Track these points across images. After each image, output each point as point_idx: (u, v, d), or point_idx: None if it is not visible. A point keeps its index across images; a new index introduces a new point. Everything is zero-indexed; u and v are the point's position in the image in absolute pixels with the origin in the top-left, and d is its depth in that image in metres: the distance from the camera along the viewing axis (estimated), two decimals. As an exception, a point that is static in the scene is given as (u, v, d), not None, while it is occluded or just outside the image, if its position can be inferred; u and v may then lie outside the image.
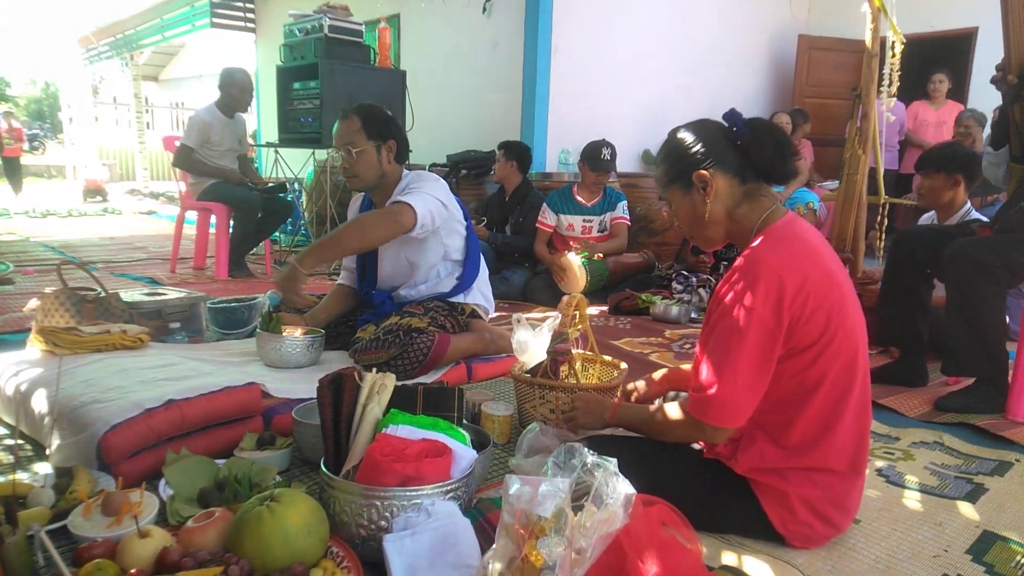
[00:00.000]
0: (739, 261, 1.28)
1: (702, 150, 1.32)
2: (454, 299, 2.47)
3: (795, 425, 1.28)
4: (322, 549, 1.18)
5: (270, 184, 4.67)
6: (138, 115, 14.52)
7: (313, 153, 5.53)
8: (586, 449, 1.20)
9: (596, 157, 3.87)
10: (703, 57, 6.17)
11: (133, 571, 1.08)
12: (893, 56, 3.24)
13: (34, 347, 2.02)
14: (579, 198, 4.01)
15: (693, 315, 3.50)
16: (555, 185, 4.46)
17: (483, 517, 1.30)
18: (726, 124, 1.34)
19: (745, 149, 1.31)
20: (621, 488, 1.11)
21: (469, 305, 2.50)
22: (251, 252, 4.78)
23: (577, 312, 1.94)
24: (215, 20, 8.56)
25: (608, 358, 2.03)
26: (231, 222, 4.51)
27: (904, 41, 3.28)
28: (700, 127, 1.36)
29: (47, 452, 1.59)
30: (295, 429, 1.67)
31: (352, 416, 1.39)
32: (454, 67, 5.80)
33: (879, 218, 3.50)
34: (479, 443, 1.52)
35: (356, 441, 1.36)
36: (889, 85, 3.26)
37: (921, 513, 1.53)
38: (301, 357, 2.22)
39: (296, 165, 5.66)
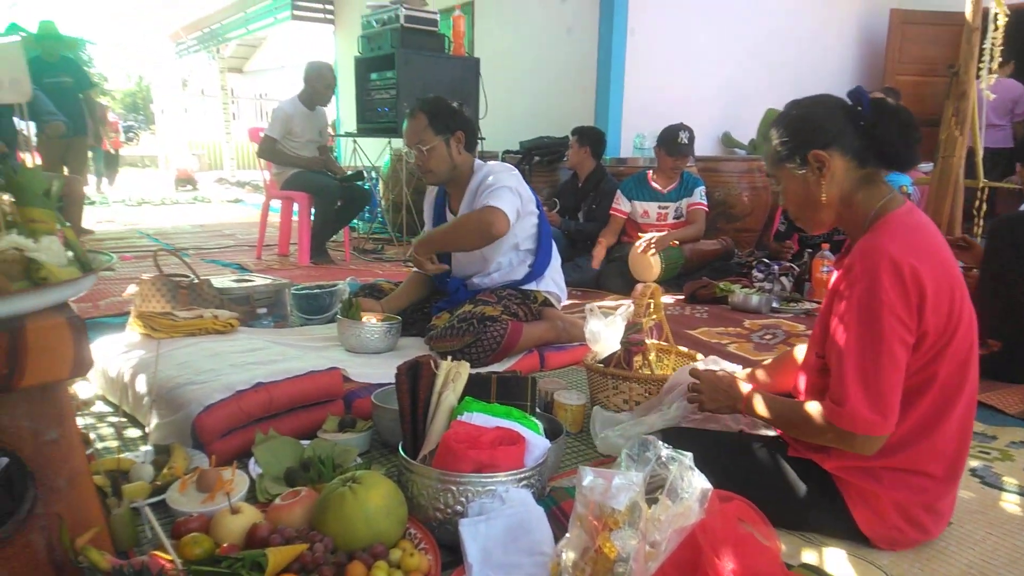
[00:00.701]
0: (856, 252, 1.20)
1: (821, 128, 1.25)
2: (526, 287, 2.48)
3: (896, 425, 1.22)
4: (401, 530, 1.22)
5: (348, 173, 4.80)
6: (224, 106, 15.15)
7: (389, 142, 5.64)
8: (660, 442, 1.19)
9: (673, 141, 3.78)
10: (787, 34, 5.93)
11: (225, 545, 1.14)
12: (995, 29, 3.02)
13: (133, 330, 2.16)
14: (655, 184, 3.94)
15: (775, 304, 3.39)
16: (630, 171, 4.39)
17: (556, 506, 1.31)
18: (849, 102, 1.26)
19: (868, 130, 1.23)
20: (696, 483, 1.10)
21: (541, 293, 2.50)
22: (331, 239, 4.93)
23: (652, 301, 1.91)
24: (296, 12, 8.82)
25: (684, 349, 1.99)
26: (312, 210, 4.66)
27: (1008, 13, 3.05)
28: (820, 103, 1.29)
29: (146, 430, 1.70)
30: (374, 413, 1.72)
31: (428, 402, 1.42)
32: (527, 53, 5.78)
33: (977, 203, 3.29)
34: (552, 432, 1.53)
35: (432, 427, 1.39)
36: (990, 61, 3.04)
37: (1020, 518, 1.45)
38: (379, 343, 2.29)
39: (373, 154, 5.79)
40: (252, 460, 1.50)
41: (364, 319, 2.32)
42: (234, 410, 1.58)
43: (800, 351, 1.51)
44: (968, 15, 3.00)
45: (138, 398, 1.75)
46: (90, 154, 8.82)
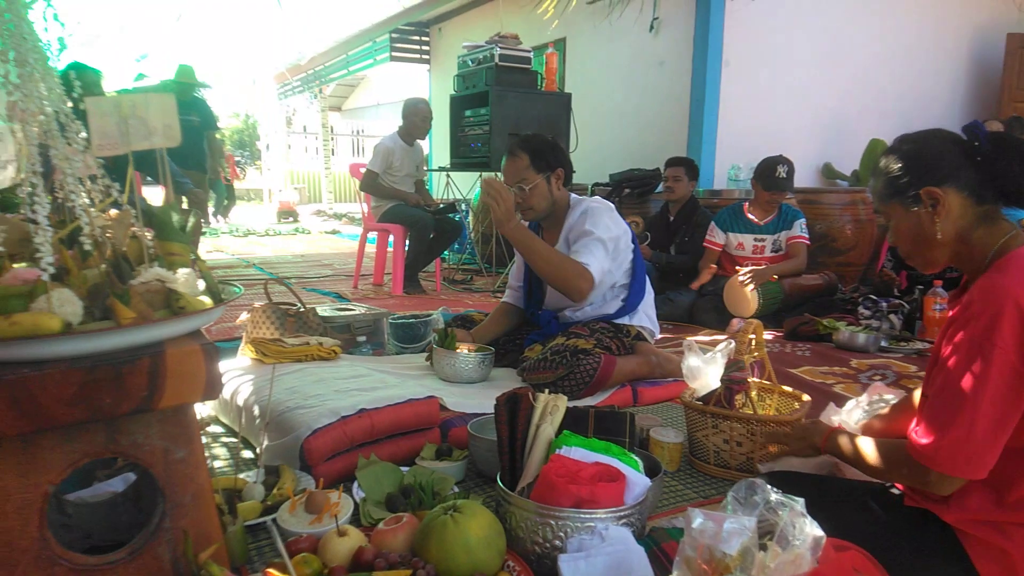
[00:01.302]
0: (976, 290, 1.13)
1: (934, 164, 1.19)
2: (619, 320, 2.46)
3: (1018, 477, 1.13)
4: (500, 562, 1.22)
5: (441, 205, 4.95)
6: (325, 143, 15.97)
7: (480, 175, 5.78)
8: (768, 486, 1.14)
9: (771, 175, 3.69)
10: (893, 61, 5.70)
11: (333, 567, 1.18)
12: None
13: (245, 355, 2.29)
14: (751, 216, 3.84)
15: (883, 343, 3.21)
16: (724, 203, 4.30)
17: (657, 546, 1.28)
18: (964, 137, 1.20)
19: (987, 166, 1.17)
20: (809, 530, 1.05)
21: (634, 327, 2.48)
22: (423, 270, 5.07)
23: (753, 337, 1.86)
24: (394, 54, 9.24)
25: (788, 388, 1.92)
26: (407, 242, 4.82)
27: None
28: (932, 137, 1.23)
29: (257, 451, 1.78)
30: (470, 443, 1.74)
31: (526, 434, 1.43)
32: (618, 86, 5.82)
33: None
34: (650, 469, 1.50)
35: (530, 459, 1.39)
36: None
37: None
38: (473, 373, 2.32)
39: (464, 187, 5.94)
40: (355, 484, 1.54)
41: (458, 349, 2.37)
42: (339, 435, 1.64)
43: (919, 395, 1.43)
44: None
45: (251, 420, 1.84)
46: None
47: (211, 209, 5.52)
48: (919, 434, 1.14)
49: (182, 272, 1.08)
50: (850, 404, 1.69)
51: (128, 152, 1.03)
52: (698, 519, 0.97)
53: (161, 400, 1.00)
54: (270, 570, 1.12)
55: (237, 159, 13.17)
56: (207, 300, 1.08)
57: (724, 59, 4.94)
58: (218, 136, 5.72)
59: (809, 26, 5.27)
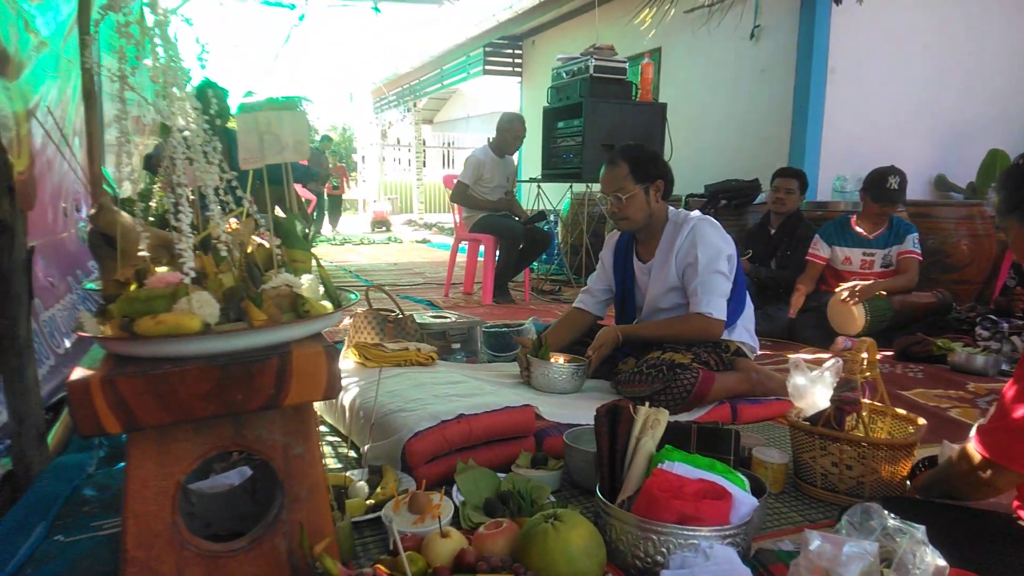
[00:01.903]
0: None
1: None
2: (718, 335, 2.40)
3: None
4: (600, 573, 1.21)
5: (532, 214, 4.99)
6: (417, 155, 16.42)
7: (571, 186, 5.79)
8: (885, 511, 1.09)
9: (881, 186, 3.51)
10: (1013, 66, 5.31)
11: (437, 567, 1.21)
12: None
13: (347, 359, 2.38)
14: (859, 229, 3.66)
15: (1004, 367, 2.99)
16: (829, 215, 4.13)
17: (764, 568, 1.24)
18: None
19: None
20: (930, 559, 1.00)
21: (734, 342, 2.41)
22: (512, 280, 5.12)
23: (866, 357, 1.77)
24: (487, 67, 9.42)
25: (901, 411, 1.82)
26: (497, 252, 4.88)
27: None
28: None
29: (361, 451, 1.85)
30: (566, 453, 1.74)
31: (626, 447, 1.42)
32: (716, 95, 5.70)
33: None
34: (754, 489, 1.46)
35: (630, 473, 1.38)
36: None
37: None
38: (566, 383, 2.32)
39: (554, 198, 5.97)
40: (455, 487, 1.57)
41: (552, 360, 2.37)
42: (439, 438, 1.68)
43: None
44: None
45: (354, 420, 1.92)
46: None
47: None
48: (985, 426, 1.15)
49: (305, 278, 1.15)
50: None
51: (263, 166, 1.10)
52: (816, 541, 0.94)
53: (287, 398, 1.06)
54: (379, 566, 1.16)
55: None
56: (328, 305, 1.13)
57: (830, 66, 4.75)
58: (326, 150, 6.01)
59: (921, 29, 5.00)
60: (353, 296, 1.22)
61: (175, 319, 0.99)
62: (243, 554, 1.16)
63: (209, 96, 1.03)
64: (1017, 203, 1.20)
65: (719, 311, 2.27)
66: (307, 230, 1.28)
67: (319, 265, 1.21)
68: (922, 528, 1.04)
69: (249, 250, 1.18)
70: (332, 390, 1.08)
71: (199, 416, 1.05)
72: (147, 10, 1.08)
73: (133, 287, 1.09)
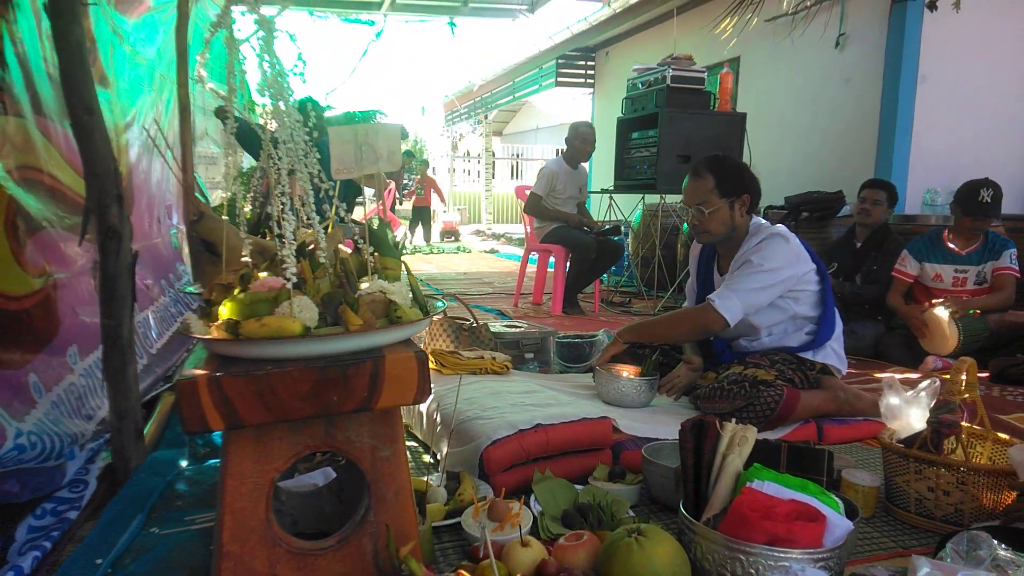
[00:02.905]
0: None
1: None
2: (803, 354, 2.31)
3: None
4: (685, 593, 1.19)
5: (606, 227, 4.95)
6: (487, 166, 16.59)
7: (643, 198, 5.73)
8: (995, 540, 1.03)
9: (973, 199, 3.33)
10: None
11: (520, 575, 1.21)
12: None
13: (424, 365, 2.41)
14: (951, 244, 3.48)
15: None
16: (919, 229, 3.94)
17: (859, 596, 1.18)
18: None
19: None
20: (1049, 597, 0.93)
21: (819, 362, 2.32)
22: (582, 291, 5.09)
23: (965, 377, 1.68)
24: (560, 79, 9.45)
25: (1004, 436, 1.71)
26: (568, 263, 4.87)
27: None
28: None
29: (439, 457, 1.87)
30: (645, 467, 1.71)
31: (712, 464, 1.39)
32: (797, 105, 5.55)
33: None
34: (848, 512, 1.40)
35: (716, 490, 1.35)
36: None
37: None
38: (636, 398, 2.29)
39: (625, 209, 5.92)
40: (532, 497, 1.57)
41: (623, 372, 2.35)
42: (516, 447, 1.69)
43: None
44: None
45: (432, 426, 1.94)
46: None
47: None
48: None
49: (396, 285, 1.17)
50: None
51: (360, 176, 1.13)
52: (925, 568, 0.89)
53: (379, 401, 1.08)
54: (462, 571, 1.17)
55: (406, 182, 13.98)
56: (418, 311, 1.16)
57: (920, 74, 4.56)
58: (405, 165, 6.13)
59: (1017, 37, 4.73)
60: (440, 304, 1.24)
61: (278, 322, 1.03)
62: (331, 552, 1.20)
63: (308, 109, 1.06)
64: None
65: (725, 308, 2.18)
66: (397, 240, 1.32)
67: (409, 273, 1.23)
68: (1037, 562, 0.98)
69: (341, 257, 1.22)
70: (422, 394, 1.10)
71: (297, 416, 1.09)
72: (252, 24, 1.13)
73: (237, 291, 1.14)
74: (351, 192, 4.54)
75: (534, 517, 1.50)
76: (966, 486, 1.52)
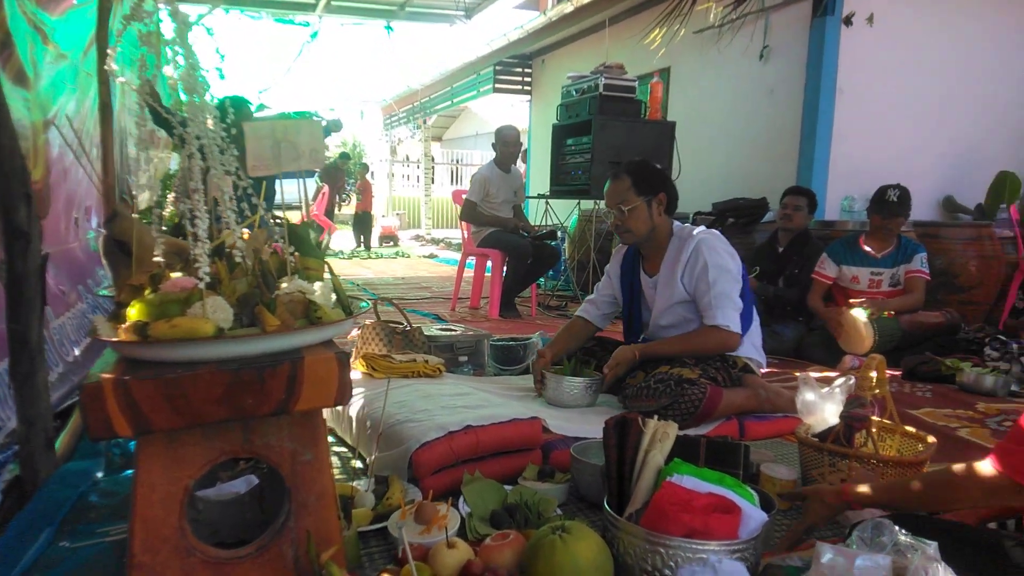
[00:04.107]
0: None
1: None
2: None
3: None
4: (608, 587, 1.20)
5: (542, 231, 5.00)
6: (426, 171, 16.51)
7: (579, 203, 5.81)
8: (897, 527, 1.09)
9: (882, 199, 3.55)
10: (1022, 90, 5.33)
11: (443, 577, 1.21)
12: None
13: (355, 369, 2.38)
14: (867, 248, 3.66)
15: (1014, 387, 2.97)
16: (837, 234, 4.13)
17: (773, 584, 1.22)
18: None
19: None
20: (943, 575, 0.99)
21: (742, 358, 2.41)
22: (519, 295, 5.12)
23: (875, 374, 1.76)
24: (497, 86, 9.50)
25: (911, 429, 1.81)
26: (504, 267, 4.89)
27: None
28: None
29: (368, 461, 1.85)
30: (573, 466, 1.73)
31: (635, 460, 1.41)
32: (724, 115, 5.73)
33: None
34: (764, 504, 1.45)
35: (638, 486, 1.38)
36: None
37: None
38: (579, 398, 2.32)
39: (562, 215, 5.99)
40: (461, 499, 1.57)
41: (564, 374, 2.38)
42: (446, 449, 1.68)
43: None
44: None
45: (362, 430, 1.92)
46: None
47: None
48: (1007, 441, 1.13)
49: (318, 285, 1.16)
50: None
51: (279, 173, 1.11)
52: (828, 554, 0.93)
53: (297, 403, 1.06)
54: (385, 574, 1.15)
55: (350, 182, 13.84)
56: (340, 312, 1.14)
57: (838, 86, 4.78)
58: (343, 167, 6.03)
59: (931, 51, 5.02)
60: (364, 304, 1.23)
61: (189, 323, 1.00)
62: (249, 561, 1.16)
63: (227, 106, 1.03)
64: None
65: (735, 323, 2.28)
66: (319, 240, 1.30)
67: (332, 273, 1.22)
68: (934, 544, 1.04)
69: (264, 257, 1.19)
70: (343, 396, 1.09)
71: (210, 420, 1.06)
72: (168, 19, 1.09)
73: (148, 292, 1.10)
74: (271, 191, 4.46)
75: (462, 519, 1.49)
76: (877, 477, 1.60)
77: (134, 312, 1.05)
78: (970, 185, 5.16)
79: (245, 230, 1.23)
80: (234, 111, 1.17)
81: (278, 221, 1.24)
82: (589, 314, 2.69)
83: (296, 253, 1.19)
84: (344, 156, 12.56)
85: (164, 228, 1.31)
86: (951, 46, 5.06)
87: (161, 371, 1.01)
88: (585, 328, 2.68)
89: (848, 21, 4.67)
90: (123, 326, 1.04)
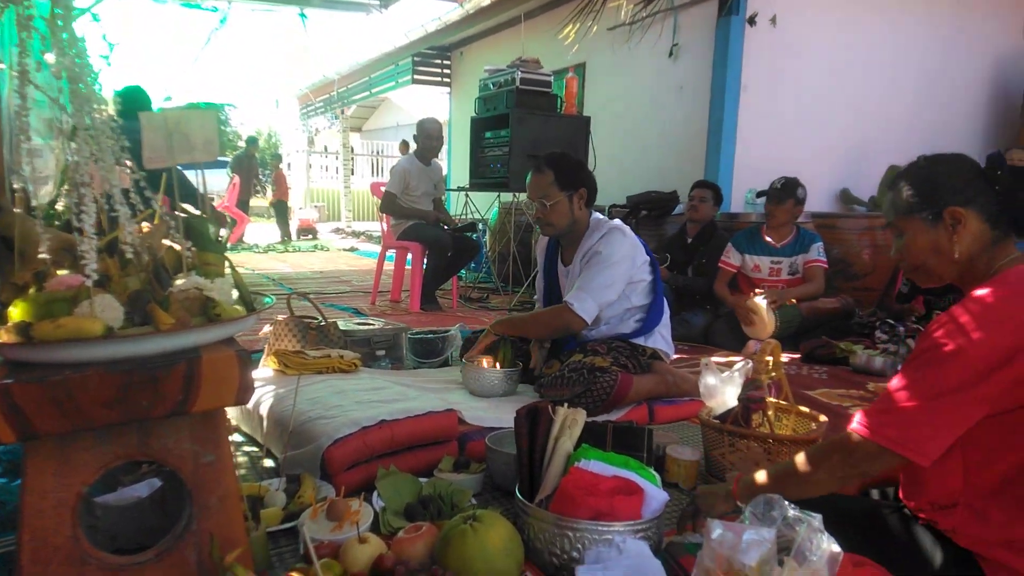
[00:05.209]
0: (964, 303, 1.18)
1: (961, 185, 1.24)
2: (635, 340, 2.48)
3: (1022, 493, 1.14)
4: (518, 572, 1.23)
5: (460, 224, 5.00)
6: (345, 163, 16.17)
7: (499, 196, 5.84)
8: (786, 502, 1.16)
9: (771, 188, 3.77)
10: (912, 89, 5.72)
11: (354, 572, 1.20)
12: None
13: (267, 366, 2.33)
14: (767, 238, 3.86)
15: (900, 367, 3.20)
16: (741, 226, 4.33)
17: (674, 560, 1.29)
18: (986, 165, 1.25)
19: (1006, 195, 1.22)
20: (826, 545, 1.06)
21: (650, 348, 2.49)
22: (440, 287, 5.11)
23: (771, 358, 1.87)
24: (416, 77, 9.40)
25: (805, 409, 1.92)
26: (425, 260, 4.87)
27: None
28: (957, 161, 1.28)
29: (280, 459, 1.81)
30: (488, 456, 1.76)
31: (545, 447, 1.45)
32: (637, 110, 5.88)
33: None
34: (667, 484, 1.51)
35: (548, 472, 1.41)
36: None
37: None
38: (499, 387, 2.36)
39: (482, 207, 6.01)
40: (375, 493, 1.57)
41: (486, 364, 2.41)
42: (359, 445, 1.67)
43: None
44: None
45: (273, 429, 1.88)
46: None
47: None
48: (863, 412, 1.23)
49: (218, 281, 1.12)
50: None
51: (173, 165, 1.07)
52: (717, 530, 0.98)
53: (195, 404, 1.03)
54: (294, 574, 1.14)
55: (263, 175, 13.31)
56: (241, 309, 1.12)
57: (743, 84, 4.98)
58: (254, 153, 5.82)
59: (828, 52, 5.31)
60: (268, 300, 1.20)
61: (75, 323, 0.96)
62: (150, 567, 1.13)
63: (123, 96, 0.99)
64: (922, 206, 1.27)
65: (583, 308, 2.33)
66: (220, 234, 1.26)
67: (233, 268, 1.19)
68: (819, 516, 1.11)
69: (163, 253, 1.15)
70: (244, 395, 1.07)
71: (101, 424, 1.02)
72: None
73: (32, 290, 1.05)
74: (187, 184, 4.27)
75: (376, 513, 1.49)
76: (772, 455, 1.69)
77: (16, 312, 1.00)
78: (864, 178, 5.51)
79: (145, 224, 1.19)
80: (131, 101, 1.12)
81: (182, 215, 1.19)
82: (541, 304, 2.77)
83: (193, 248, 1.15)
84: (251, 140, 12.11)
85: (56, 223, 1.24)
86: (846, 48, 5.37)
87: (47, 373, 0.96)
88: None
89: (752, 21, 4.87)
90: (5, 327, 0.98)
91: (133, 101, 3.07)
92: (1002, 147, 5.53)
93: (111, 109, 1.08)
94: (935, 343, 1.16)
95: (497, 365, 2.40)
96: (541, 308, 2.74)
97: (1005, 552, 1.16)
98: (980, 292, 1.18)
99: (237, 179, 10.48)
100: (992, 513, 1.18)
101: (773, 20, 4.92)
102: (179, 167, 1.16)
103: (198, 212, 1.23)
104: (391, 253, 5.30)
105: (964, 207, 1.22)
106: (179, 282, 1.08)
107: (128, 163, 1.11)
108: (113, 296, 1.01)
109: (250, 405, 2.05)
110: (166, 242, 1.18)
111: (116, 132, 1.09)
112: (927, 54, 5.74)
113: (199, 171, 1.21)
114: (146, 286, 1.04)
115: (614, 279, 2.37)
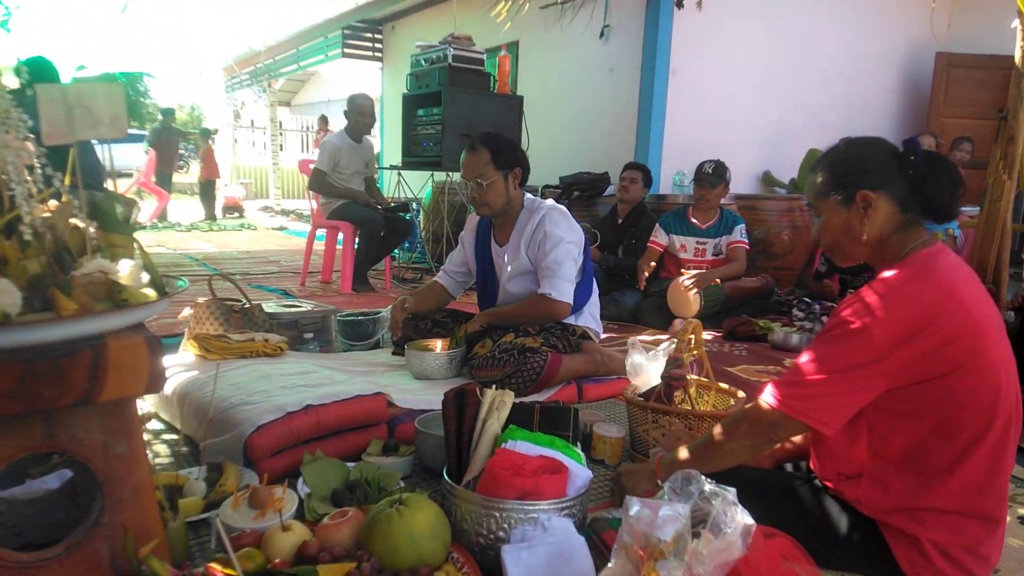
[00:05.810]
0: (872, 284, 1.24)
1: (873, 170, 1.29)
2: (566, 320, 2.51)
3: (921, 465, 1.23)
4: (444, 553, 1.24)
5: (393, 204, 4.93)
6: (273, 138, 15.63)
7: (432, 175, 5.77)
8: (703, 477, 1.20)
9: (699, 172, 3.88)
10: (830, 77, 5.94)
11: (276, 561, 1.18)
12: (1046, 73, 3.00)
13: (187, 351, 2.25)
14: (694, 220, 3.97)
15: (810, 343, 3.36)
16: (669, 207, 4.43)
17: (597, 536, 1.32)
18: (901, 150, 1.30)
19: (918, 181, 1.27)
20: (740, 518, 1.10)
21: (580, 327, 2.53)
22: (372, 268, 5.04)
23: (693, 337, 1.93)
24: (346, 51, 9.14)
25: (724, 386, 2.00)
26: (356, 240, 4.78)
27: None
28: (873, 145, 1.33)
29: (200, 447, 1.76)
30: (417, 438, 1.75)
31: (473, 429, 1.46)
32: (569, 91, 5.90)
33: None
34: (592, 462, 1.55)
35: (476, 454, 1.42)
36: (1041, 104, 3.00)
37: (1074, 570, 1.41)
38: (442, 370, 2.37)
39: (416, 186, 5.93)
40: (300, 480, 1.54)
41: (430, 347, 2.41)
42: (284, 431, 1.64)
43: None
44: (1018, 60, 2.98)
45: (193, 416, 1.82)
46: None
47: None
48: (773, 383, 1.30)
49: (125, 264, 1.07)
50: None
51: (73, 142, 1.01)
52: (635, 507, 1.01)
53: (102, 393, 0.99)
54: (212, 565, 1.11)
55: (181, 152, 12.66)
56: (151, 293, 1.07)
57: (671, 68, 5.07)
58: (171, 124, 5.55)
59: (751, 37, 5.46)
60: (181, 283, 1.16)
61: (-33, 310, 0.90)
62: (58, 562, 1.08)
63: (20, 69, 0.92)
64: (837, 187, 1.32)
65: (562, 293, 2.38)
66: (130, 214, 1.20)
67: (142, 250, 1.13)
68: (733, 490, 1.15)
69: (67, 235, 1.09)
70: (155, 384, 1.03)
71: (1, 416, 0.96)
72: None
73: (-84, 275, 0.97)
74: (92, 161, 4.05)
75: (300, 500, 1.47)
76: (693, 431, 1.75)
77: (-101, 299, 0.92)
78: (785, 160, 5.71)
79: (53, 202, 1.12)
80: (35, 73, 1.05)
81: (75, 192, 1.13)
82: (445, 281, 2.75)
83: (99, 229, 1.09)
84: (167, 112, 11.53)
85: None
86: (768, 34, 5.53)
87: (-64, 364, 0.90)
88: (443, 292, 2.75)
89: (680, 4, 4.94)
90: None
91: (39, 72, 2.89)
92: (914, 131, 5.83)
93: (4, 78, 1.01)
94: (843, 321, 1.23)
95: (439, 346, 2.41)
96: (447, 283, 2.75)
97: (905, 519, 1.24)
98: (887, 274, 1.25)
99: (153, 153, 9.99)
100: (894, 483, 1.26)
101: (699, 4, 5.01)
102: (94, 142, 1.09)
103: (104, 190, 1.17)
104: (321, 233, 5.18)
105: (875, 191, 1.28)
106: (83, 265, 1.02)
107: (30, 138, 1.04)
108: (10, 280, 0.95)
109: (168, 392, 1.98)
110: (73, 222, 1.12)
111: (13, 105, 1.02)
112: (845, 40, 5.97)
113: (106, 146, 1.15)
114: (46, 269, 0.98)
115: (574, 256, 2.43)
